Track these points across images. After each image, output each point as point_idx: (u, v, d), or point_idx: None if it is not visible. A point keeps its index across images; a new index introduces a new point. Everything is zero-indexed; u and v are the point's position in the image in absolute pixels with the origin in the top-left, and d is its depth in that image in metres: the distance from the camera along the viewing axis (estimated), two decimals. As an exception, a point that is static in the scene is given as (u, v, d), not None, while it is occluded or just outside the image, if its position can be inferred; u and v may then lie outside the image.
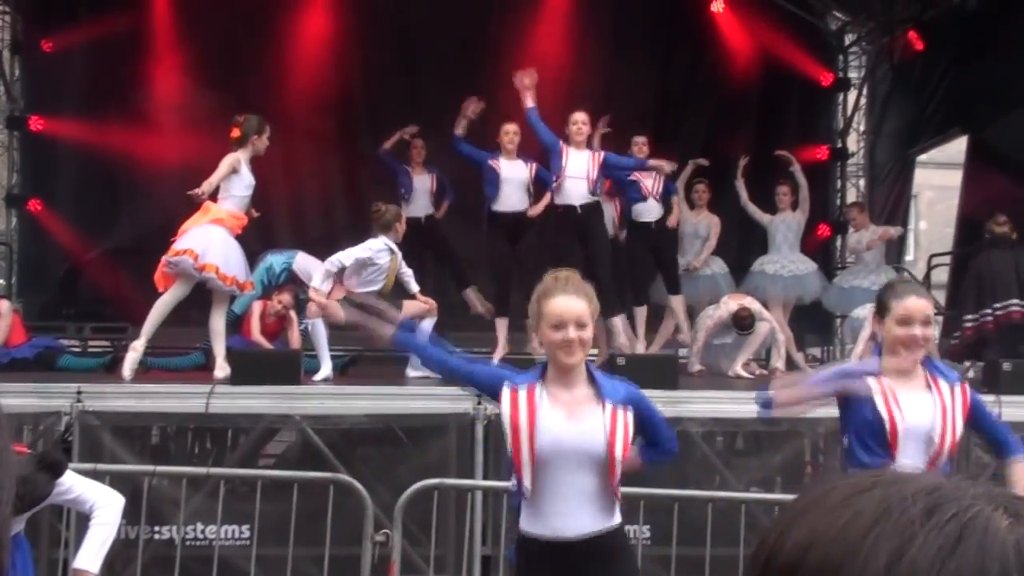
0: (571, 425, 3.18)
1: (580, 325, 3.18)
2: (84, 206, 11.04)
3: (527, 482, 3.19)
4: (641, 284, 9.05)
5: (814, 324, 11.55)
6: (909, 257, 17.21)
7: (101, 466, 5.18)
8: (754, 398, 3.84)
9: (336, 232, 10.47)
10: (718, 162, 9.92)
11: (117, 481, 4.50)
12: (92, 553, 3.48)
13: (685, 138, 11.65)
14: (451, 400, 6.34)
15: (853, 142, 13.03)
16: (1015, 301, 7.86)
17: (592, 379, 3.28)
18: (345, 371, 7.95)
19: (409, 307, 7.53)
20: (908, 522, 0.71)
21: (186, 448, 8.07)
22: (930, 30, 11.22)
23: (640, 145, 8.77)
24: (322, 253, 7.44)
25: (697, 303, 9.44)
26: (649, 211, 8.81)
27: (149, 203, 10.48)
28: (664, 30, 12.06)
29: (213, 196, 6.92)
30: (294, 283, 8.66)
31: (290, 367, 6.77)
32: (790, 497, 0.82)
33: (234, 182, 6.98)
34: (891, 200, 12.36)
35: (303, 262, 8.69)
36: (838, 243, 12.48)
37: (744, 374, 8.33)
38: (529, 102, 7.92)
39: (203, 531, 6.16)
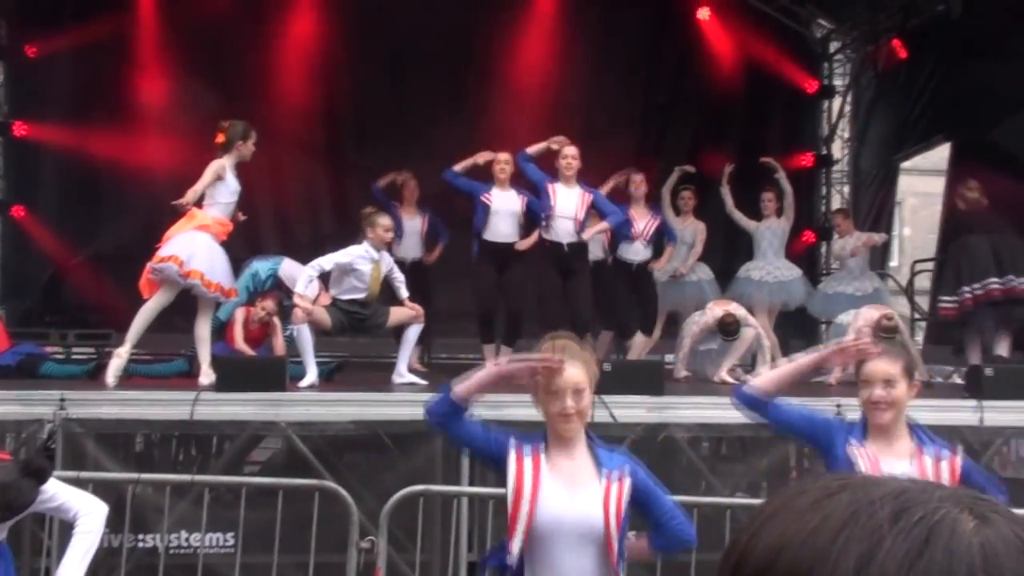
0: (570, 500, 3.10)
1: (577, 393, 3.14)
2: (68, 212, 10.99)
3: (515, 548, 3.08)
4: (620, 315, 8.94)
5: (799, 330, 11.58)
6: (893, 263, 17.28)
7: (84, 474, 5.15)
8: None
9: (322, 238, 10.45)
10: (704, 169, 9.96)
11: (101, 489, 4.48)
12: (76, 562, 3.46)
13: (671, 145, 11.70)
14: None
15: (838, 149, 13.10)
16: (993, 279, 7.94)
17: (592, 448, 3.22)
18: (331, 377, 7.93)
19: (396, 313, 7.53)
20: (876, 525, 0.72)
21: (170, 455, 8.03)
22: (914, 38, 11.30)
23: (637, 183, 8.78)
24: (308, 259, 7.42)
25: (683, 309, 9.46)
26: (635, 251, 8.76)
27: (133, 209, 10.44)
28: (650, 38, 12.11)
29: (198, 202, 6.90)
30: (280, 289, 8.64)
31: (276, 374, 6.74)
32: (755, 511, 0.83)
33: (219, 188, 6.97)
34: (875, 206, 12.43)
35: (289, 268, 8.67)
36: (823, 249, 12.54)
37: (730, 380, 8.33)
38: (530, 148, 7.93)
39: (187, 539, 6.12)
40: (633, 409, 6.48)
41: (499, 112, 10.46)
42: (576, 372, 3.13)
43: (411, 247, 9.26)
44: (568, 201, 7.94)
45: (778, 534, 0.76)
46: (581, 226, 7.97)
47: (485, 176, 8.25)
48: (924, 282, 11.49)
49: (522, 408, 5.56)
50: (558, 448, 3.18)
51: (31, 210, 11.08)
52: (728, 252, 10.67)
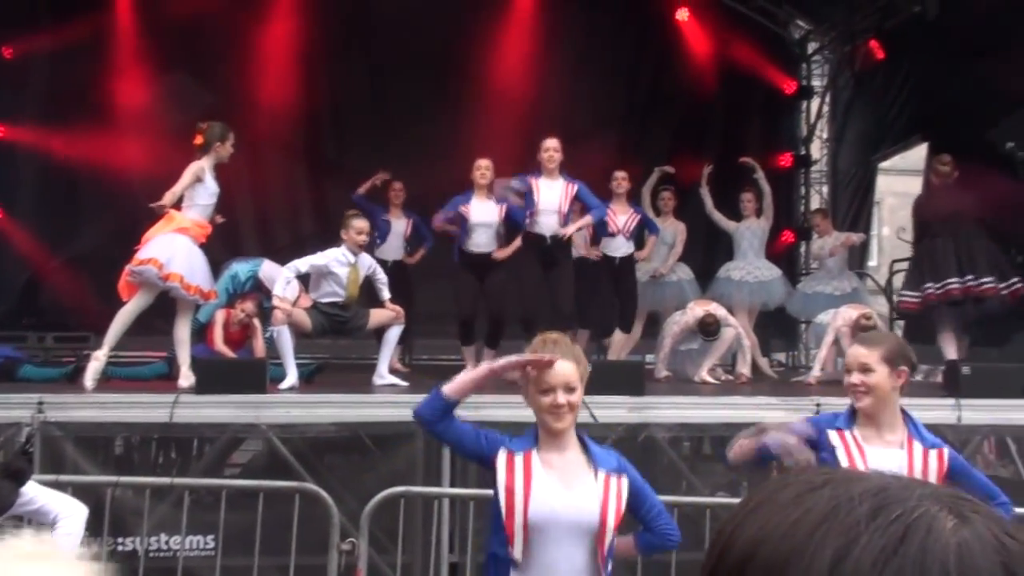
0: (565, 494, 3.12)
1: (569, 389, 3.14)
2: (45, 214, 10.92)
3: (517, 552, 3.10)
4: (600, 312, 8.95)
5: (779, 329, 11.67)
6: (872, 263, 17.39)
7: (63, 477, 5.12)
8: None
9: (302, 240, 10.45)
10: (684, 169, 10.00)
11: (80, 492, 4.45)
12: (54, 565, 3.44)
13: (651, 146, 11.72)
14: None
15: (816, 149, 13.18)
16: (954, 279, 8.07)
17: (584, 446, 3.24)
18: (311, 379, 7.91)
19: (377, 315, 7.52)
20: (854, 522, 0.73)
21: (150, 458, 7.99)
22: (891, 39, 11.39)
23: (620, 180, 8.78)
24: (288, 261, 7.40)
25: (663, 309, 9.50)
26: (617, 246, 8.76)
27: (111, 211, 10.39)
28: (629, 39, 12.14)
29: (177, 204, 6.87)
30: (260, 291, 8.61)
31: (256, 375, 6.72)
32: (739, 503, 0.84)
33: (198, 190, 6.94)
34: (854, 206, 12.52)
35: (269, 270, 8.64)
36: (802, 249, 12.61)
37: (710, 380, 8.38)
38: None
39: (167, 542, 6.09)
40: (614, 409, 6.50)
41: (480, 114, 10.47)
42: (568, 367, 3.15)
43: (394, 248, 9.30)
44: (551, 194, 7.93)
45: (759, 526, 0.77)
46: (565, 219, 7.97)
47: (468, 185, 8.19)
48: (902, 281, 11.56)
49: (502, 409, 5.59)
50: (549, 446, 3.19)
51: (8, 212, 11.00)
52: (708, 252, 10.72)
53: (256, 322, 8.31)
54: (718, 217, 9.80)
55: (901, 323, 10.95)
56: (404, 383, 7.42)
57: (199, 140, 7.01)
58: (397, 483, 5.51)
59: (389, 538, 5.86)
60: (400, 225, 9.37)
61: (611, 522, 3.12)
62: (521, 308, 8.01)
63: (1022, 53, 8.69)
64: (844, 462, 3.40)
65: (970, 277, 8.07)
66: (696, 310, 8.40)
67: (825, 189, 13.08)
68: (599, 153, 8.82)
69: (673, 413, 6.72)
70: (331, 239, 7.61)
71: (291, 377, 7.07)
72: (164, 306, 7.06)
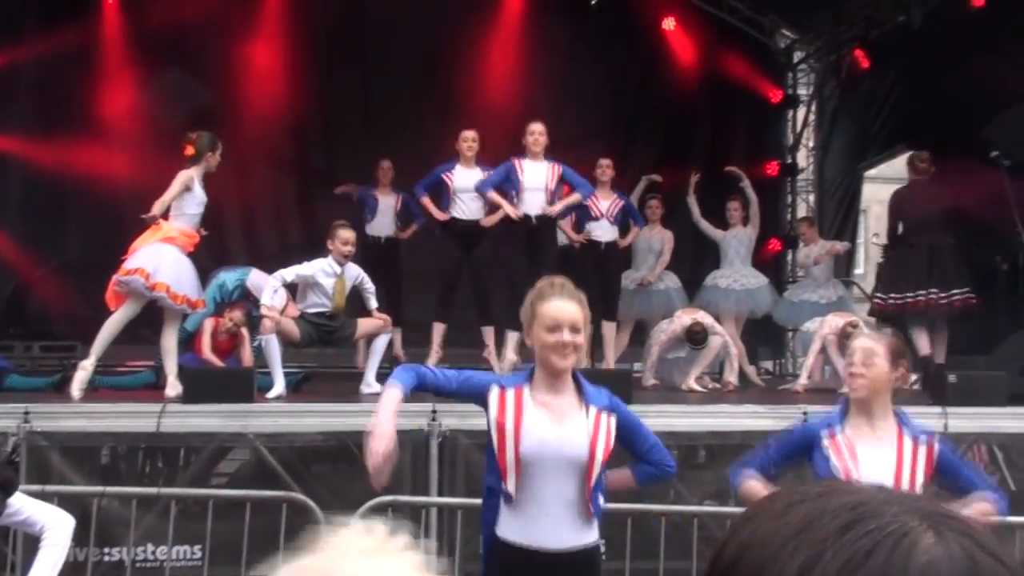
0: (555, 428, 3.19)
1: (574, 329, 3.20)
2: (32, 223, 10.86)
3: (511, 486, 3.17)
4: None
5: (766, 337, 11.69)
6: (859, 271, 17.48)
7: (50, 487, 5.10)
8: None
9: (290, 249, 10.43)
10: (670, 178, 10.03)
11: (66, 502, 4.44)
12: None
13: (638, 154, 11.78)
14: (406, 416, 6.29)
15: (803, 158, 13.24)
16: (919, 292, 8.21)
17: (578, 386, 3.30)
18: (299, 388, 7.90)
19: (364, 324, 7.51)
20: (825, 535, 0.75)
21: (137, 468, 7.94)
22: (876, 48, 11.46)
23: (604, 168, 8.83)
24: (275, 270, 7.39)
25: (650, 318, 9.52)
26: (602, 231, 8.82)
27: (98, 220, 10.36)
28: (616, 48, 12.17)
29: (164, 214, 6.86)
30: (247, 300, 8.60)
31: (243, 385, 6.70)
32: (743, 511, 0.87)
33: (187, 200, 6.94)
34: (840, 215, 12.58)
35: (257, 279, 8.63)
36: (789, 257, 12.65)
37: (697, 388, 8.40)
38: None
39: (154, 552, 6.07)
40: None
41: (468, 123, 10.45)
42: (573, 309, 3.22)
43: (385, 225, 9.45)
44: (536, 173, 8.00)
45: (748, 534, 0.80)
46: (552, 196, 8.00)
47: (452, 154, 8.33)
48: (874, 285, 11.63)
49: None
50: (544, 384, 3.25)
51: (-6, 221, 10.95)
52: (695, 261, 10.75)
53: (244, 331, 8.29)
54: (705, 226, 9.83)
55: (887, 330, 11.01)
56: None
57: (190, 151, 7.00)
58: (385, 492, 5.51)
59: (377, 548, 5.84)
60: (389, 202, 9.49)
61: (599, 456, 3.19)
62: (510, 292, 8.03)
63: (1006, 60, 8.76)
64: (836, 465, 3.46)
65: (934, 290, 8.19)
66: (683, 318, 8.42)
67: (811, 197, 13.14)
68: (586, 161, 8.85)
69: (660, 422, 6.69)
70: (319, 248, 7.60)
71: (279, 386, 7.05)
72: (151, 315, 7.04)
